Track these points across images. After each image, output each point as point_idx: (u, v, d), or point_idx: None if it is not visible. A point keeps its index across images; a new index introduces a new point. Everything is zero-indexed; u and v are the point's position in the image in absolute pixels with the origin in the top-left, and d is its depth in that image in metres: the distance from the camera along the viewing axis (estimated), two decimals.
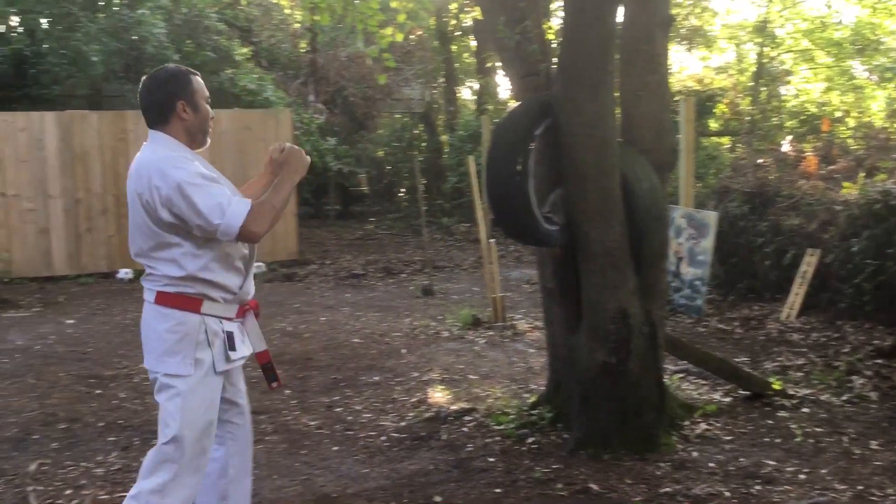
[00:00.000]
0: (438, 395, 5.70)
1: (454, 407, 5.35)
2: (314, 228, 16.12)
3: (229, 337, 3.04)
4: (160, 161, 2.91)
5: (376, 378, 6.19)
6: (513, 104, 4.63)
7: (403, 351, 7.04)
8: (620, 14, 4.46)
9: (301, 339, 7.51)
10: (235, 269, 3.06)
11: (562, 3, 4.53)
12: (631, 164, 4.43)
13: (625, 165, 4.39)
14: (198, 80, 3.08)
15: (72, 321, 8.47)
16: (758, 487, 4.02)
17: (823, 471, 4.22)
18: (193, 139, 3.06)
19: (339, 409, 5.45)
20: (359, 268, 11.68)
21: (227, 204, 2.86)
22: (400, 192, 20.27)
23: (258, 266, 11.35)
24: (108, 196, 11.22)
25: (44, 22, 13.39)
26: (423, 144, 19.86)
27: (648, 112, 4.61)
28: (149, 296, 3.03)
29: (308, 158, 3.16)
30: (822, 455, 4.44)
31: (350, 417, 5.28)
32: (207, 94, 3.13)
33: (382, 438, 4.87)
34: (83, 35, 12.42)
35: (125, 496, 4.01)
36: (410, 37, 18.09)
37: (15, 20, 13.44)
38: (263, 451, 4.67)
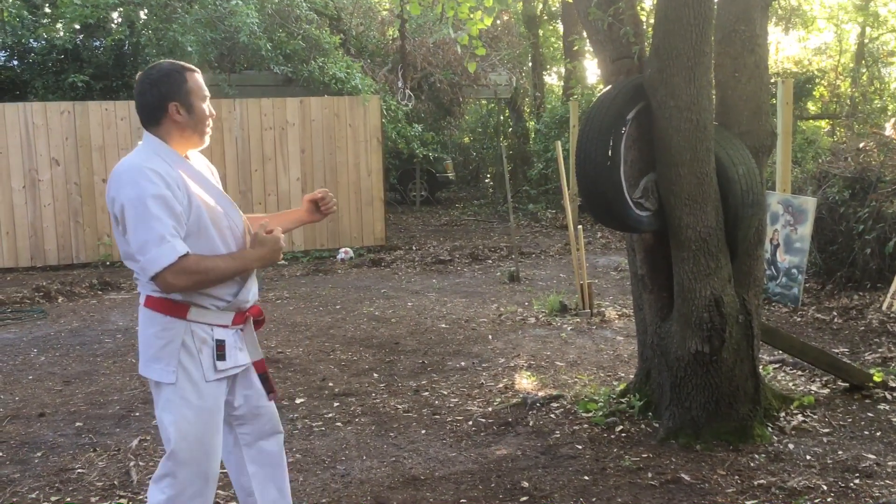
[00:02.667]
0: (525, 382, 5.69)
1: (541, 393, 5.33)
2: (401, 214, 16.27)
3: (219, 345, 2.87)
4: (126, 171, 2.73)
5: (463, 363, 6.21)
6: (602, 88, 4.55)
7: (490, 337, 7.04)
8: None
9: (388, 324, 7.59)
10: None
11: None
12: (727, 148, 4.31)
13: (720, 149, 4.28)
14: (194, 78, 2.89)
15: None
16: (857, 481, 3.88)
17: None
18: (188, 140, 2.92)
19: (426, 394, 5.50)
20: (445, 253, 11.73)
21: (156, 243, 2.65)
22: (486, 179, 20.26)
23: (346, 252, 11.54)
24: None
25: (142, 13, 13.84)
26: (510, 130, 19.79)
27: (746, 94, 4.48)
28: (140, 298, 2.90)
29: (278, 254, 2.94)
30: None
31: (437, 402, 5.32)
32: (206, 92, 2.95)
33: (469, 423, 4.89)
34: (179, 26, 12.79)
35: (223, 473, 4.16)
36: (497, 22, 18.02)
37: (116, 13, 13.93)
38: (353, 433, 4.75)
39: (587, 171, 4.20)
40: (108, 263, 11.10)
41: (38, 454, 4.55)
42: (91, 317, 8.14)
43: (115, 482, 4.14)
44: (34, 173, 11.06)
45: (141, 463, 4.38)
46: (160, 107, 2.83)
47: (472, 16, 5.92)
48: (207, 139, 2.99)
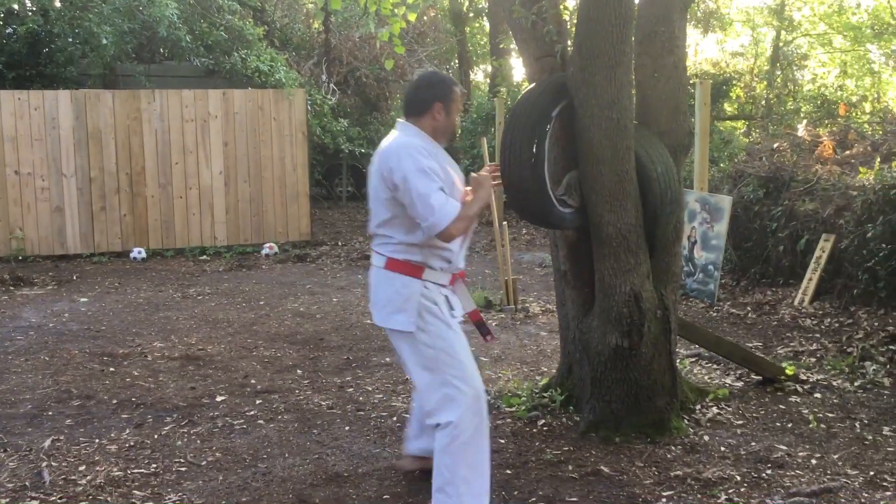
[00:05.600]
0: None
1: None
2: (326, 210, 16.13)
3: (447, 299, 3.48)
4: (406, 147, 3.37)
5: (388, 359, 6.20)
6: (527, 86, 4.59)
7: None
8: None
9: (313, 320, 7.52)
10: (454, 243, 3.46)
11: None
12: (646, 147, 4.40)
13: (640, 148, 4.36)
14: (458, 93, 3.54)
15: (85, 299, 8.52)
16: (769, 472, 4.02)
17: (835, 456, 4.21)
18: (436, 139, 3.51)
19: (350, 390, 5.47)
20: (371, 249, 11.67)
21: (440, 204, 3.27)
22: None
23: (270, 247, 11.40)
24: (122, 175, 11.24)
25: (57, 2, 13.38)
26: None
27: (665, 94, 4.58)
28: (378, 260, 3.51)
29: (490, 192, 3.61)
30: (833, 440, 4.44)
31: (362, 398, 5.30)
32: (462, 106, 3.55)
33: (394, 419, 4.88)
34: (95, 16, 12.42)
35: (139, 473, 4.07)
36: (423, 18, 18.02)
37: (29, 0, 13.45)
38: (275, 431, 4.70)
39: (511, 168, 4.22)
40: (20, 258, 10.72)
41: None
42: (2, 313, 7.85)
43: (27, 483, 4.00)
44: None
45: (54, 463, 4.24)
46: (429, 103, 3.48)
47: (395, 11, 5.90)
48: (445, 142, 3.58)
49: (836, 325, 6.76)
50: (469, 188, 3.61)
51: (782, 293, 7.84)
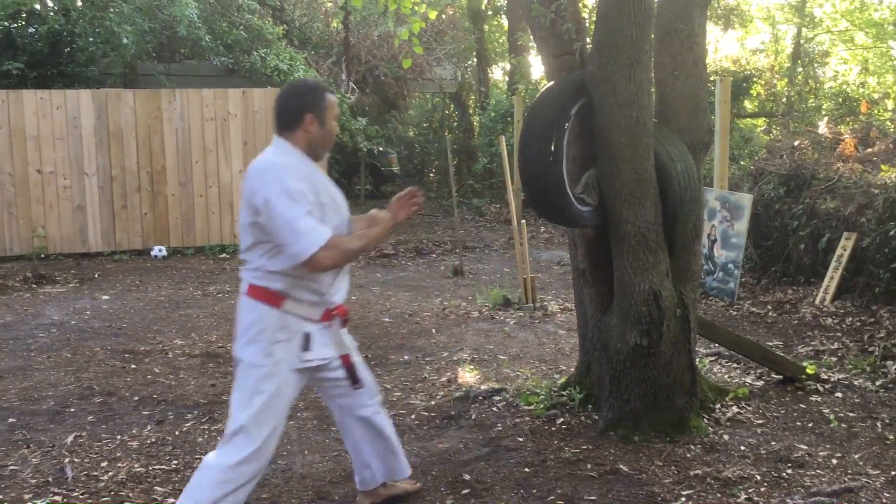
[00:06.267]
0: (468, 375, 5.72)
1: (484, 387, 5.37)
2: None
3: (306, 338, 3.16)
4: (272, 167, 3.08)
5: (406, 357, 6.22)
6: (545, 84, 4.59)
7: (433, 330, 7.06)
8: None
9: None
10: (324, 274, 3.16)
11: None
12: (666, 145, 4.38)
13: (659, 146, 4.35)
14: (331, 99, 3.22)
15: (107, 297, 8.60)
16: (789, 471, 4.00)
17: (856, 455, 4.19)
18: (314, 152, 3.21)
19: None
20: (389, 247, 11.70)
21: (306, 229, 2.98)
22: (431, 173, 20.26)
23: None
24: (143, 173, 11.32)
25: (78, 1, 13.50)
26: (454, 124, 19.81)
27: (684, 92, 4.56)
28: (243, 287, 3.20)
29: (385, 233, 3.32)
30: (854, 440, 4.41)
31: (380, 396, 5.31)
32: (338, 112, 3.26)
33: (412, 417, 4.90)
34: (115, 15, 12.51)
35: (160, 469, 4.11)
36: (442, 16, 18.02)
37: (50, 0, 13.58)
38: (295, 428, 4.72)
39: (530, 166, 4.23)
40: (42, 256, 10.83)
41: None
42: (24, 310, 7.93)
43: (50, 479, 4.05)
44: None
45: (76, 460, 4.29)
46: (299, 116, 3.16)
47: (415, 9, 5.91)
48: (327, 154, 3.32)
49: (858, 324, 6.71)
50: (365, 219, 3.40)
51: (803, 292, 7.79)
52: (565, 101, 4.23)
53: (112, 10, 12.64)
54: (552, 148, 4.10)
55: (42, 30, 12.60)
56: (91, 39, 12.57)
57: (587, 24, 4.76)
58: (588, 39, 4.59)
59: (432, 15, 5.95)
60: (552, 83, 4.46)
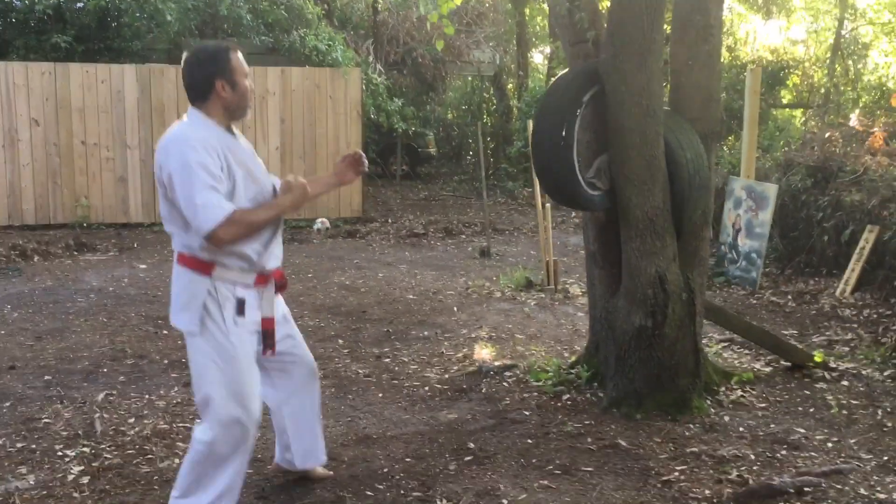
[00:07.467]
0: (484, 352, 5.90)
1: (497, 363, 5.55)
2: (380, 187, 16.39)
3: (239, 303, 3.15)
4: (175, 141, 3.04)
5: (426, 333, 6.41)
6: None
7: (455, 309, 7.24)
8: None
9: (357, 293, 7.77)
10: (253, 240, 3.14)
11: None
12: (676, 133, 4.50)
13: (670, 134, 4.47)
14: (237, 57, 3.15)
15: (144, 266, 8.91)
16: (783, 452, 4.12)
17: (852, 440, 4.29)
18: (233, 115, 3.19)
19: (387, 360, 5.69)
20: (420, 227, 11.90)
21: (203, 204, 2.92)
22: (468, 156, 20.39)
23: (322, 222, 11.68)
24: None
25: None
26: (493, 108, 19.90)
27: (698, 81, 4.66)
28: (174, 256, 3.24)
29: (304, 199, 3.21)
30: (853, 426, 4.51)
31: (397, 368, 5.52)
32: (247, 69, 3.20)
33: (426, 388, 5.10)
34: None
35: (183, 427, 4.35)
36: None
37: None
38: None
39: (542, 150, 4.39)
40: (84, 225, 11.21)
41: (7, 404, 4.72)
42: (65, 276, 8.28)
43: (80, 432, 4.32)
44: (13, 133, 11.13)
45: (105, 415, 4.56)
46: (208, 85, 3.10)
47: None
48: (249, 112, 3.26)
49: (875, 315, 6.75)
50: (340, 164, 3.48)
51: (825, 283, 7.83)
52: (579, 88, 4.37)
53: None
54: (563, 133, 4.25)
55: (90, 4, 12.92)
56: (137, 15, 12.86)
57: (601, 14, 4.87)
58: (602, 28, 4.71)
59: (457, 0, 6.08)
60: (566, 71, 4.60)
